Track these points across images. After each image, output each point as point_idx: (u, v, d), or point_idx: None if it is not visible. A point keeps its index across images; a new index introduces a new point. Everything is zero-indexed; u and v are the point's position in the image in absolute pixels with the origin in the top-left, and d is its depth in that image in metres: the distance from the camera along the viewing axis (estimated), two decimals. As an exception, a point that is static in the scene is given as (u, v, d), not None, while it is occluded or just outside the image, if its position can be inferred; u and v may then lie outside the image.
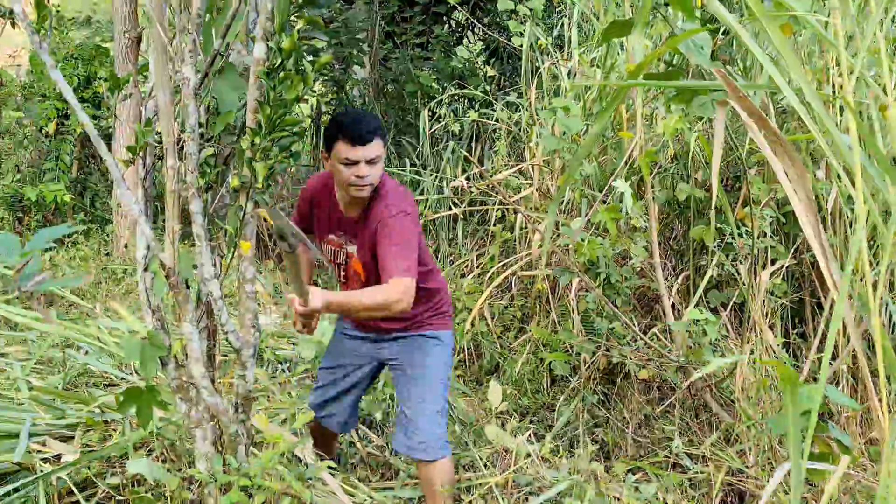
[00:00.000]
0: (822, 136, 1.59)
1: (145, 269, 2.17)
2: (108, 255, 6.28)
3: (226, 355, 3.83)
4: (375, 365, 2.94)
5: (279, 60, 1.93)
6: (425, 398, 2.74)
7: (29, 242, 1.26)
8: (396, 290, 2.45)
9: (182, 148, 1.98)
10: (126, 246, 6.17)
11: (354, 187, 2.54)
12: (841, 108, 3.46)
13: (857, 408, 2.09)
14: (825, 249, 1.63)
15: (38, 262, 1.28)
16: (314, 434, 3.03)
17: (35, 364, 3.58)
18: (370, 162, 2.52)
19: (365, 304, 2.47)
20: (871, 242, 3.36)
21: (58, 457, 2.74)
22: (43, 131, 7.42)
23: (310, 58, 2.19)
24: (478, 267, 5.16)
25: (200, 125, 2.02)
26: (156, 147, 2.18)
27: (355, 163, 2.50)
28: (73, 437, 2.86)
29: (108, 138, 7.50)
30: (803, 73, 1.50)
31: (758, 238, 3.49)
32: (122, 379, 3.54)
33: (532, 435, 3.54)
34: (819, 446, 2.15)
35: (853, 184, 1.46)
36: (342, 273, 2.79)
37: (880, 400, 3.07)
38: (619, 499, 2.77)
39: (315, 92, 7.69)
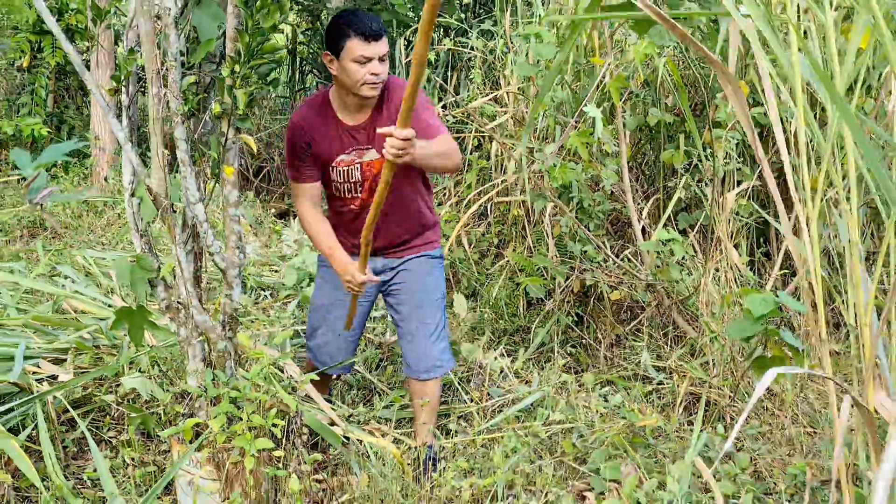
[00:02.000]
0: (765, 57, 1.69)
1: (132, 195, 2.26)
2: (88, 186, 6.31)
3: (209, 283, 3.94)
4: (373, 298, 2.92)
5: (256, -10, 1.99)
6: (427, 319, 2.80)
7: (40, 156, 1.35)
8: (453, 142, 2.53)
9: (164, 76, 2.05)
10: (106, 179, 6.20)
11: (369, 85, 2.50)
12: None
13: (803, 310, 2.24)
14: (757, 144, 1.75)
15: (44, 177, 1.37)
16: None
17: (24, 293, 3.68)
18: (381, 59, 2.49)
19: (437, 150, 2.48)
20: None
21: (53, 378, 2.86)
22: (16, 65, 7.34)
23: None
24: (455, 195, 5.26)
25: (182, 54, 2.09)
26: (138, 77, 2.24)
27: (369, 59, 2.46)
28: (65, 360, 2.98)
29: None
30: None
31: (724, 161, 3.61)
32: (110, 306, 3.65)
33: (505, 353, 3.70)
34: (773, 351, 2.31)
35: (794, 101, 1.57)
36: (359, 191, 2.71)
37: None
38: (587, 407, 2.94)
39: (290, 22, 7.64)
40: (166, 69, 2.06)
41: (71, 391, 2.80)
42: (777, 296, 2.32)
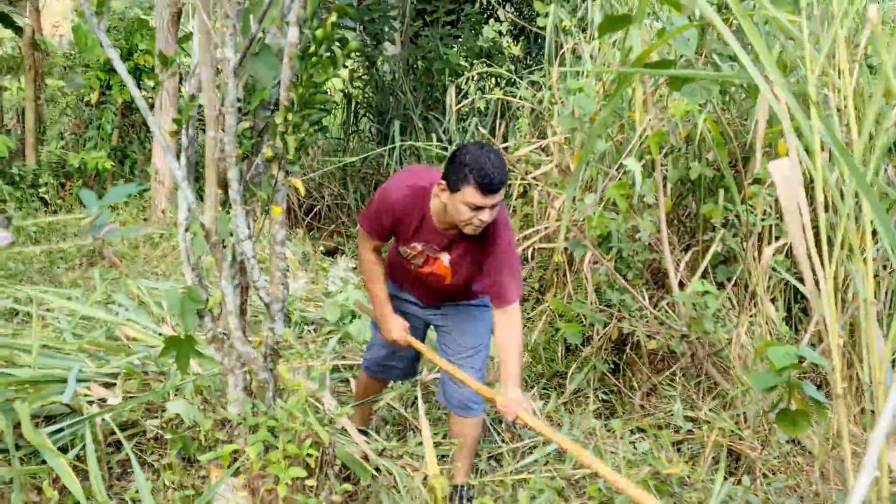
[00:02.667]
0: (790, 122, 1.77)
1: (186, 230, 2.40)
2: (145, 220, 6.57)
3: (255, 316, 4.09)
4: (423, 328, 3.06)
5: (311, 45, 2.14)
6: (470, 359, 2.91)
7: (105, 196, 1.49)
8: (519, 319, 2.65)
9: (222, 120, 2.21)
10: (163, 212, 6.45)
11: (472, 227, 2.53)
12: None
13: (823, 364, 2.28)
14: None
15: (107, 215, 1.51)
16: (368, 391, 3.19)
17: (80, 319, 3.86)
18: (493, 206, 2.50)
19: (519, 348, 2.64)
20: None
21: (102, 401, 3.00)
22: (84, 100, 7.71)
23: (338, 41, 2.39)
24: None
25: (238, 101, 2.24)
26: (197, 120, 2.41)
27: (480, 208, 2.48)
28: (115, 385, 3.12)
29: (151, 108, 7.79)
30: (773, 63, 1.68)
31: (762, 216, 3.65)
32: (160, 334, 3.81)
33: (539, 396, 3.76)
34: (797, 404, 2.34)
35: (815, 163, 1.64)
36: (414, 264, 2.82)
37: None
38: (614, 453, 2.98)
39: (347, 65, 7.90)
40: (224, 114, 2.21)
41: (119, 414, 2.93)
42: (801, 349, 2.36)
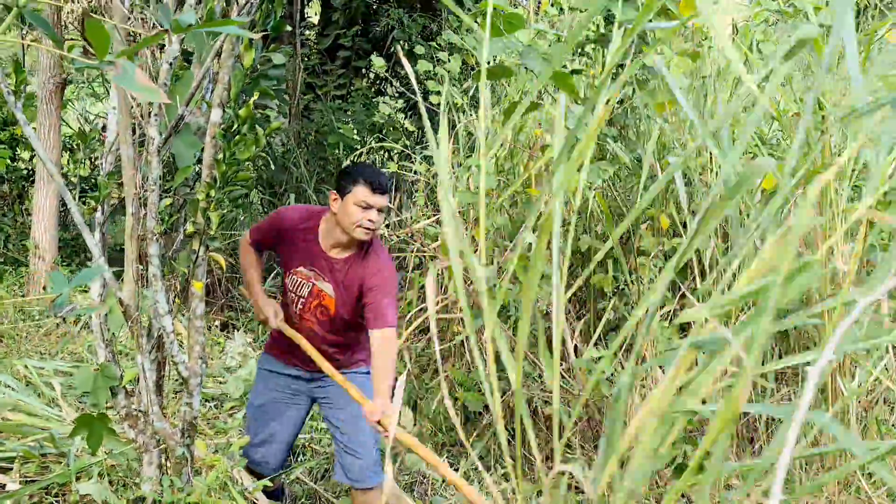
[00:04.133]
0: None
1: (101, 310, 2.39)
2: (23, 296, 6.30)
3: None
4: (308, 404, 3.09)
5: (235, 124, 2.22)
6: (362, 430, 2.94)
7: (74, 278, 1.51)
8: (395, 341, 2.76)
9: (144, 198, 2.24)
10: (45, 288, 6.21)
11: (362, 229, 2.77)
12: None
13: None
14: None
15: (66, 295, 1.52)
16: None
17: (-37, 401, 3.67)
18: (380, 210, 2.78)
19: (392, 368, 2.73)
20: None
21: (1, 487, 2.87)
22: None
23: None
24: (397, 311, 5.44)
25: (160, 178, 2.28)
26: (113, 197, 2.42)
27: (370, 207, 2.75)
28: (11, 469, 2.99)
29: (27, 179, 7.55)
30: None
31: (648, 285, 3.91)
32: (55, 415, 3.66)
33: (448, 464, 3.82)
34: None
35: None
36: (300, 304, 2.94)
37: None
38: (525, 516, 3.07)
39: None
40: (146, 192, 2.24)
41: (18, 500, 2.81)
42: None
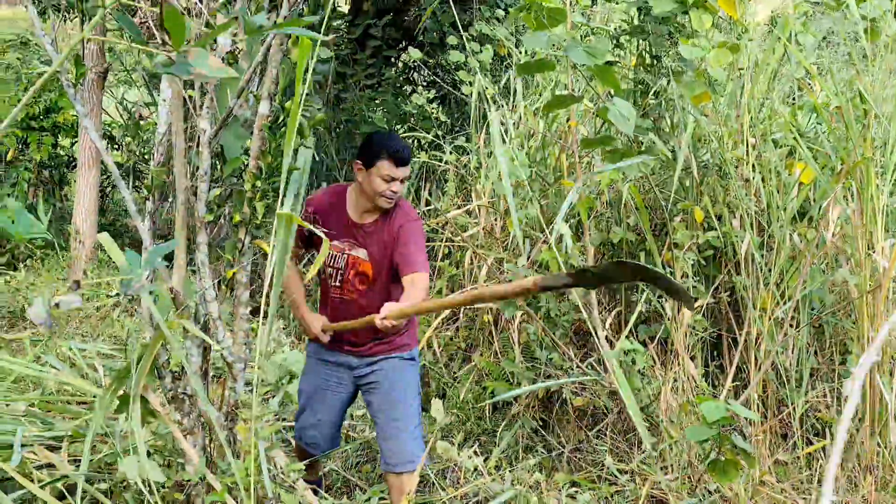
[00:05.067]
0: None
1: (150, 293, 2.45)
2: (64, 280, 6.43)
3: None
4: (352, 390, 3.19)
5: (281, 117, 2.27)
6: (402, 417, 3.04)
7: (149, 254, 1.57)
8: (423, 284, 2.90)
9: (194, 188, 2.30)
10: (85, 273, 6.33)
11: (385, 198, 2.95)
12: (754, 166, 3.95)
13: (754, 418, 2.51)
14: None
15: (138, 275, 1.59)
16: (301, 458, 3.26)
17: (12, 382, 3.78)
18: (402, 181, 2.96)
19: (411, 307, 2.80)
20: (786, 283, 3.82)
21: (48, 466, 2.96)
22: (-3, 157, 7.55)
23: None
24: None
25: (210, 169, 2.34)
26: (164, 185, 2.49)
27: (394, 179, 2.92)
28: (60, 448, 3.08)
29: (68, 165, 7.68)
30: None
31: (681, 278, 3.93)
32: (96, 396, 3.76)
33: (476, 453, 3.87)
34: (727, 455, 2.55)
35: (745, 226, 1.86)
36: (339, 278, 3.07)
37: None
38: (557, 505, 3.12)
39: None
40: (196, 182, 2.30)
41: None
42: (730, 404, 2.58)
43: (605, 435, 3.97)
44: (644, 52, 4.31)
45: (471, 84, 6.00)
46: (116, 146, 8.14)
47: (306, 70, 2.29)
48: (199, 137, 2.26)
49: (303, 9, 2.27)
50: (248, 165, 2.36)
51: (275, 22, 1.09)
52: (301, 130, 2.32)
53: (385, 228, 3.02)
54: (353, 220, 3.05)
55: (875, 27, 3.53)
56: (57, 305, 1.60)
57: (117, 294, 5.28)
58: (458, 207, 5.59)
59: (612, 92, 2.61)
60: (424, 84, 8.34)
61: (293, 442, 3.35)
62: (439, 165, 6.47)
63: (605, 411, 4.08)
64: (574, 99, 2.51)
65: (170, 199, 4.22)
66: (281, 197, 2.13)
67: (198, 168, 2.27)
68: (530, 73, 2.42)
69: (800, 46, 4.14)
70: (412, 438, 3.03)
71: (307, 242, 3.16)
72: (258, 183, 2.33)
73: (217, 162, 2.41)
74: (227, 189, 2.42)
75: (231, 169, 2.32)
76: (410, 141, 7.13)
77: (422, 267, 2.93)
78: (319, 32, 2.19)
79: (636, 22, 4.46)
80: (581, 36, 5.19)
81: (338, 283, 3.08)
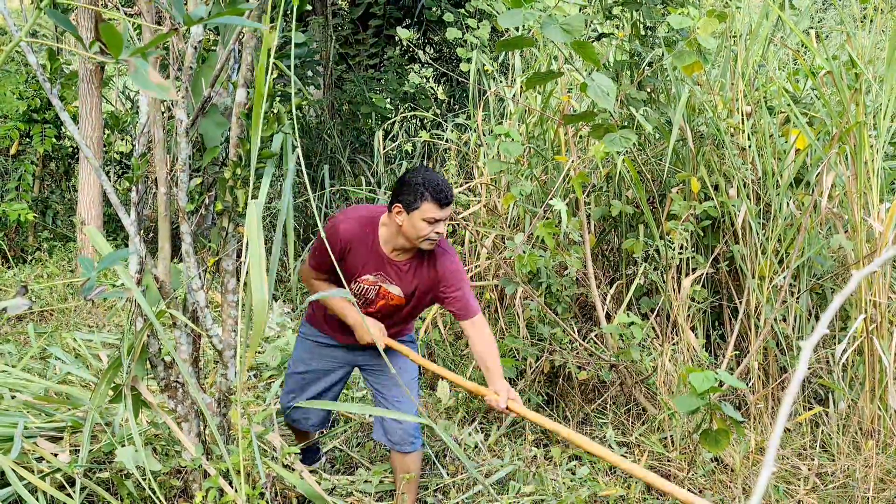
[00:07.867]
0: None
1: (139, 283, 2.48)
2: (72, 271, 6.49)
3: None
4: (349, 369, 3.18)
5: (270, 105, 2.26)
6: (402, 397, 3.04)
7: (101, 261, 1.58)
8: (485, 325, 2.90)
9: (175, 178, 2.31)
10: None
11: (429, 241, 2.77)
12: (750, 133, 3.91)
13: (742, 387, 2.50)
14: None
15: (94, 279, 1.60)
16: (300, 438, 3.29)
17: (16, 374, 3.82)
18: (446, 220, 2.78)
19: (494, 349, 2.87)
20: (785, 252, 3.80)
21: (54, 455, 3.00)
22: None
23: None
24: (430, 279, 5.50)
25: (189, 158, 2.35)
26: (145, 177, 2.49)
27: (438, 220, 2.74)
28: (61, 439, 3.13)
29: (72, 156, 7.72)
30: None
31: (679, 250, 3.91)
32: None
33: (479, 430, 3.89)
34: (717, 424, 2.55)
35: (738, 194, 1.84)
36: (365, 302, 2.95)
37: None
38: (555, 480, 3.13)
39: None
40: (176, 172, 2.31)
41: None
42: (719, 374, 2.58)
43: (607, 408, 3.97)
44: (638, 23, 4.26)
45: (469, 61, 5.97)
46: (121, 136, 8.17)
47: (282, 57, 2.29)
48: (176, 127, 2.26)
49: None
50: (228, 154, 2.37)
51: (209, 12, 1.09)
52: (279, 117, 2.31)
53: (424, 270, 2.89)
54: (387, 255, 2.88)
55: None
56: (4, 310, 1.62)
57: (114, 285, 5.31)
58: (460, 186, 5.59)
59: (595, 67, 2.58)
60: (427, 61, 8.31)
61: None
62: (440, 144, 6.45)
63: (608, 385, 4.08)
64: (553, 74, 2.49)
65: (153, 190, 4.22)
66: (251, 185, 2.13)
67: (177, 158, 2.28)
68: (510, 50, 2.38)
69: (794, 11, 4.07)
70: (415, 417, 3.04)
71: (332, 271, 2.87)
72: (238, 171, 2.33)
73: (198, 151, 2.42)
74: (209, 178, 2.43)
75: (210, 157, 2.33)
76: (411, 121, 7.12)
77: (476, 308, 2.90)
78: (293, 18, 2.18)
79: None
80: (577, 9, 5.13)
81: (361, 304, 2.97)
